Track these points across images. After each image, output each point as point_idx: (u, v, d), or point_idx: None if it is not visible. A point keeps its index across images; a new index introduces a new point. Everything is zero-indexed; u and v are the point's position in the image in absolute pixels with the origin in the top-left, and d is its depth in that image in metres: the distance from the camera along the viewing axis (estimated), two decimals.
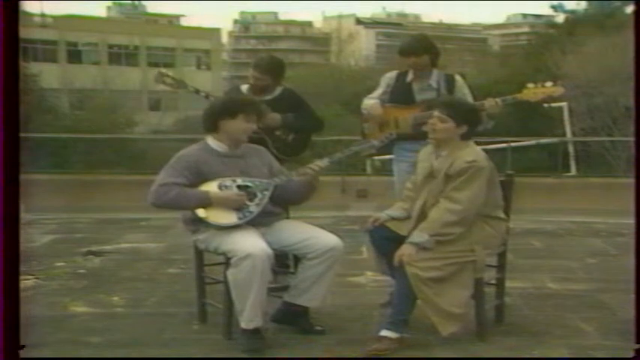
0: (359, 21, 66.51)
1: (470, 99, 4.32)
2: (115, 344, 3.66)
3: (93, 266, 5.47)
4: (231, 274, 3.51)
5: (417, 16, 73.85)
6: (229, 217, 3.59)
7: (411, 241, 3.49)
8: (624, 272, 4.28)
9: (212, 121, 3.71)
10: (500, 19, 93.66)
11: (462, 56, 33.31)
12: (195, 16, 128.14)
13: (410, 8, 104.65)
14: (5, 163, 2.72)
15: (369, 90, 4.66)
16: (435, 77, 4.37)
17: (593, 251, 6.00)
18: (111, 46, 39.46)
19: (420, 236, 3.48)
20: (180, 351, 3.56)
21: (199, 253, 3.89)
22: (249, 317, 3.49)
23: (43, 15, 35.25)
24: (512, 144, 12.58)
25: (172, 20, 55.86)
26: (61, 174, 11.52)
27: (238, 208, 3.60)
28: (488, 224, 3.63)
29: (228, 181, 3.64)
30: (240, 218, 3.60)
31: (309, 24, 70.62)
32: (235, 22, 71.13)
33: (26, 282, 4.72)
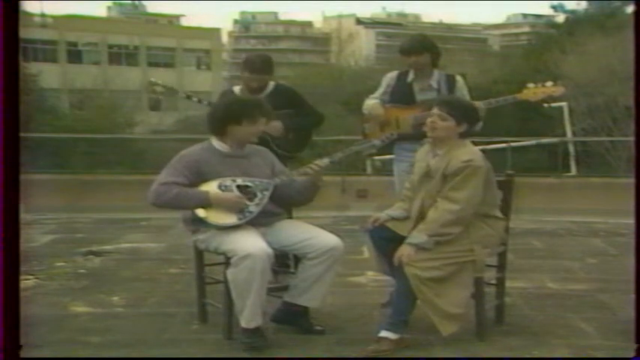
0: (359, 21, 66.50)
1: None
2: (115, 344, 3.66)
3: (93, 266, 5.47)
4: (231, 273, 3.51)
5: (417, 16, 73.84)
6: (229, 217, 3.59)
7: (409, 241, 3.49)
8: (624, 272, 4.28)
9: (218, 127, 3.71)
10: (500, 19, 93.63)
11: (461, 56, 33.27)
12: (195, 16, 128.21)
13: (410, 8, 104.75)
14: (5, 163, 2.72)
15: (369, 90, 4.66)
16: (435, 77, 4.37)
17: (593, 251, 6.00)
18: (111, 46, 39.46)
19: (418, 237, 3.48)
20: (180, 351, 3.56)
21: (199, 253, 3.89)
22: (249, 317, 3.49)
23: (43, 15, 35.21)
24: (512, 144, 12.60)
25: (172, 20, 55.86)
26: (61, 174, 11.53)
27: (239, 208, 3.60)
28: (486, 223, 3.62)
29: (228, 181, 3.64)
30: (240, 218, 3.60)
31: (309, 24, 70.63)
32: (235, 22, 71.17)
33: (26, 282, 4.72)
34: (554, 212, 8.26)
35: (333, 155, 3.86)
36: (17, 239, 2.78)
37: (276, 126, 4.41)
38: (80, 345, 3.64)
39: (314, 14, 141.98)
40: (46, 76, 26.25)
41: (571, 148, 14.32)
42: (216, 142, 3.73)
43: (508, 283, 4.04)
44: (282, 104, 4.46)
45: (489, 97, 4.28)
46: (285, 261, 4.19)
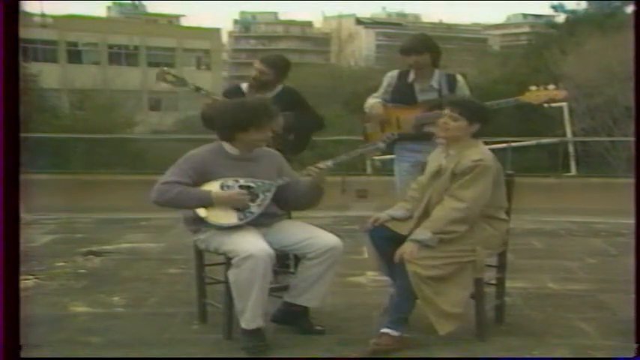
0: (359, 21, 66.49)
1: None
2: (115, 344, 3.66)
3: (93, 266, 5.47)
4: (232, 274, 3.50)
5: (417, 16, 73.84)
6: (230, 218, 3.59)
7: (413, 238, 3.49)
8: (624, 272, 4.29)
9: (225, 134, 3.70)
10: (500, 19, 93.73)
11: (461, 56, 33.29)
12: (195, 16, 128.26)
13: (410, 8, 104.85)
14: (5, 163, 2.72)
15: (369, 90, 4.66)
16: (436, 77, 4.37)
17: (593, 251, 6.00)
18: (111, 46, 39.45)
19: (423, 233, 3.48)
20: (180, 351, 3.56)
21: (199, 253, 3.89)
22: (250, 318, 3.48)
23: (43, 15, 35.20)
24: (513, 144, 12.57)
25: (172, 20, 55.85)
26: (61, 174, 11.51)
27: (240, 208, 3.60)
28: (490, 224, 3.62)
29: (230, 181, 3.63)
30: (240, 219, 3.60)
31: (309, 24, 70.61)
32: (235, 22, 71.15)
33: (26, 282, 4.72)
34: (554, 212, 8.25)
35: (337, 158, 3.85)
36: (17, 239, 2.78)
37: (277, 122, 4.40)
38: (80, 345, 3.64)
39: (314, 14, 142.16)
40: (46, 76, 26.24)
41: (571, 148, 14.30)
42: (225, 145, 3.72)
43: (508, 283, 4.04)
44: (287, 106, 4.47)
45: (490, 96, 4.29)
46: (285, 261, 4.19)
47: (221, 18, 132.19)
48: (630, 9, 20.94)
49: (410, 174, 4.18)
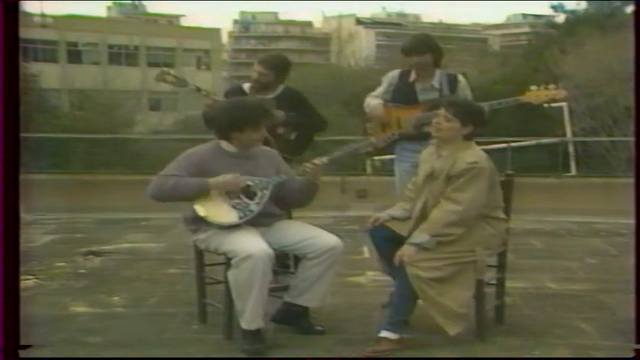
0: (359, 21, 66.47)
1: None
2: (115, 344, 3.66)
3: (93, 266, 5.47)
4: (232, 274, 3.50)
5: (417, 16, 73.81)
6: (230, 216, 3.59)
7: (411, 241, 3.49)
8: (624, 272, 4.29)
9: (221, 133, 3.71)
10: (500, 19, 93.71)
11: (461, 56, 33.26)
12: (195, 16, 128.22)
13: (410, 8, 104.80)
14: (5, 163, 2.72)
15: (369, 90, 4.65)
16: (437, 77, 4.36)
17: (593, 251, 6.00)
18: (111, 46, 39.44)
19: (420, 237, 3.48)
20: (180, 351, 3.56)
21: (199, 253, 3.89)
22: (250, 318, 3.48)
23: (43, 15, 35.22)
24: (512, 144, 12.56)
25: (172, 20, 55.84)
26: (61, 174, 11.50)
27: (238, 204, 3.59)
28: (488, 224, 3.62)
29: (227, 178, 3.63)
30: (240, 217, 3.60)
31: (309, 24, 70.61)
32: (235, 22, 71.12)
33: (26, 282, 4.72)
34: (554, 212, 8.25)
35: (332, 154, 3.86)
36: (17, 239, 2.78)
37: (276, 114, 4.39)
38: (80, 345, 3.64)
39: (314, 14, 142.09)
40: (46, 76, 26.23)
41: (571, 148, 14.30)
42: (223, 143, 3.73)
43: (508, 283, 4.04)
44: (289, 106, 4.47)
45: (490, 96, 4.29)
46: (285, 261, 4.18)
47: (221, 18, 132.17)
48: (630, 9, 20.92)
49: (410, 174, 4.18)
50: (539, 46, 27.13)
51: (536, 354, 3.51)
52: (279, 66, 4.54)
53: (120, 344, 3.66)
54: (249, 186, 3.65)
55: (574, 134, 17.29)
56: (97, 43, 38.28)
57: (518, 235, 5.99)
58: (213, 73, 42.46)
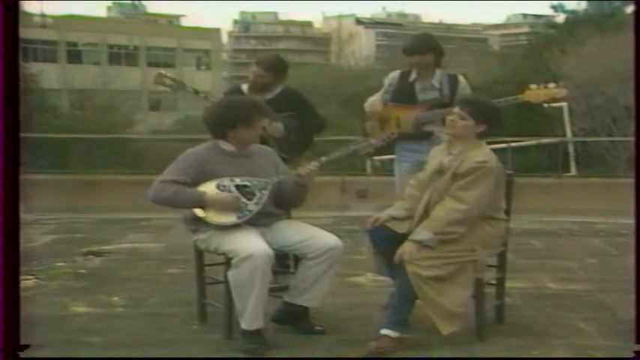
0: (359, 21, 66.52)
1: None
2: (115, 344, 3.66)
3: (93, 266, 5.47)
4: (232, 274, 3.50)
5: (417, 16, 73.85)
6: (228, 217, 3.59)
7: (413, 238, 3.49)
8: (624, 272, 4.29)
9: (216, 131, 3.72)
10: (500, 19, 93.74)
11: (462, 56, 33.28)
12: (195, 16, 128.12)
13: (410, 8, 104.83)
14: (5, 163, 2.72)
15: (369, 90, 4.66)
16: (437, 77, 4.37)
17: (593, 251, 6.00)
18: (111, 46, 39.45)
19: (423, 234, 3.48)
20: (180, 351, 3.56)
21: (199, 253, 3.89)
22: (250, 318, 3.48)
23: (43, 15, 35.23)
24: (512, 144, 12.56)
25: (172, 20, 55.87)
26: (61, 174, 11.50)
27: (236, 208, 3.60)
28: (489, 224, 3.62)
29: (226, 181, 3.64)
30: (239, 217, 3.60)
31: (309, 24, 70.66)
32: (235, 22, 71.16)
33: (26, 282, 4.72)
34: (554, 212, 8.25)
35: (330, 155, 3.86)
36: (17, 239, 2.78)
37: (276, 127, 4.41)
38: (80, 345, 3.64)
39: (314, 14, 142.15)
40: (46, 76, 26.23)
41: (571, 148, 14.30)
42: (220, 142, 3.73)
43: (508, 284, 4.04)
44: (288, 107, 4.47)
45: (490, 96, 4.28)
46: (285, 261, 4.18)
47: (221, 18, 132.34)
48: (630, 9, 20.93)
49: (410, 174, 4.18)
50: (539, 46, 27.11)
51: (536, 354, 3.51)
52: (277, 67, 4.53)
53: (120, 344, 3.66)
54: (247, 187, 3.65)
55: (574, 134, 17.29)
56: (97, 43, 38.29)
57: (518, 235, 5.98)
58: (213, 74, 42.49)
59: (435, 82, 4.36)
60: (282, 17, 72.00)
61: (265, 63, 4.50)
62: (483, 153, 3.60)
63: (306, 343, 3.63)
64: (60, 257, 5.66)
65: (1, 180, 2.71)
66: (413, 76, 4.40)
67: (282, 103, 4.46)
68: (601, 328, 3.86)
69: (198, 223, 3.65)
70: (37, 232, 6.72)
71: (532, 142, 14.72)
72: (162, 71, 4.66)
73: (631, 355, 3.11)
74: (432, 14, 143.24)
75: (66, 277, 5.10)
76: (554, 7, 34.69)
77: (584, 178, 13.03)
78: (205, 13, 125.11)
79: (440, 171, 3.64)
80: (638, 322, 3.11)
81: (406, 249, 3.47)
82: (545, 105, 4.40)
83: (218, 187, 3.61)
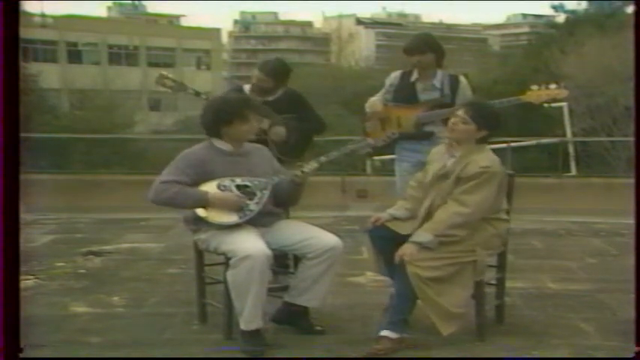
0: (359, 21, 66.52)
1: None
2: (115, 344, 3.66)
3: (93, 266, 5.47)
4: (230, 274, 3.51)
5: (417, 16, 73.87)
6: (229, 216, 3.59)
7: (414, 240, 3.49)
8: (624, 272, 4.29)
9: (211, 129, 3.72)
10: (500, 19, 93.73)
11: (461, 56, 33.29)
12: (195, 16, 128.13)
13: (410, 8, 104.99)
14: (5, 163, 2.72)
15: (369, 90, 4.66)
16: (439, 77, 4.36)
17: (593, 251, 6.00)
18: (111, 46, 39.44)
19: (424, 236, 3.48)
20: (180, 351, 3.56)
21: (199, 253, 3.89)
22: (248, 318, 3.48)
23: (43, 15, 35.23)
24: (512, 144, 12.55)
25: (172, 20, 55.87)
26: (61, 174, 11.50)
27: (236, 210, 3.60)
28: (490, 225, 3.63)
29: (227, 181, 3.64)
30: (240, 217, 3.60)
31: (309, 24, 70.63)
32: (235, 22, 71.14)
33: (26, 282, 4.72)
34: (554, 212, 8.25)
35: (329, 154, 3.86)
36: (17, 239, 2.78)
37: (278, 132, 4.42)
38: (80, 345, 3.64)
39: (314, 14, 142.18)
40: (46, 76, 26.21)
41: (571, 148, 14.30)
42: (216, 142, 3.73)
43: (508, 284, 4.04)
44: (289, 109, 4.47)
45: (490, 96, 4.29)
46: (284, 261, 4.18)
47: (221, 18, 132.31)
48: (630, 9, 20.92)
49: (410, 174, 4.18)
50: (539, 46, 27.13)
51: (536, 354, 3.51)
52: (279, 72, 4.52)
53: (120, 344, 3.66)
54: (247, 187, 3.65)
55: (574, 134, 17.29)
56: (97, 43, 38.29)
57: (518, 235, 5.99)
58: (214, 73, 42.48)
59: (437, 82, 4.35)
60: (282, 17, 72.02)
61: (267, 68, 4.49)
62: (488, 158, 3.60)
63: (306, 343, 3.63)
64: (60, 257, 5.66)
65: (1, 180, 2.71)
66: (414, 76, 4.40)
67: (284, 104, 4.46)
68: (601, 328, 3.86)
69: (199, 223, 3.65)
70: (37, 232, 6.72)
71: (532, 142, 14.73)
72: (164, 72, 4.65)
73: (631, 355, 3.11)
74: (432, 14, 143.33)
75: (66, 277, 5.10)
76: (554, 7, 34.78)
77: (584, 178, 13.02)
78: (205, 13, 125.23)
79: (444, 174, 3.63)
80: (638, 322, 3.10)
81: (406, 250, 3.47)
82: (545, 105, 4.39)
83: (219, 187, 3.62)
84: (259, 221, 3.65)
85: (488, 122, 3.64)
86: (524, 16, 71.88)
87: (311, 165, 3.75)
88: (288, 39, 67.16)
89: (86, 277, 5.12)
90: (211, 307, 3.90)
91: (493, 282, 3.93)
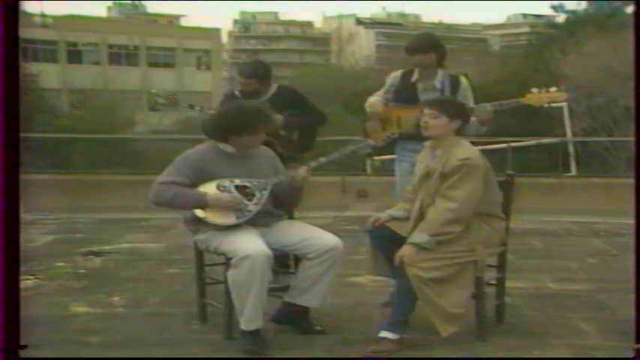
0: (359, 21, 66.51)
1: (471, 102, 4.32)
2: (115, 344, 3.66)
3: (93, 266, 5.47)
4: (230, 274, 3.51)
5: (417, 16, 73.87)
6: (228, 217, 3.59)
7: (411, 241, 3.49)
8: (624, 272, 4.28)
9: (219, 135, 3.71)
10: (500, 19, 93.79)
11: (462, 56, 33.27)
12: (195, 16, 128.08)
13: (410, 8, 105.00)
14: (5, 163, 2.72)
15: (369, 90, 4.64)
16: (439, 78, 4.36)
17: (593, 251, 6.00)
18: (111, 46, 39.43)
19: (420, 237, 3.48)
20: (180, 351, 3.56)
21: (199, 253, 3.89)
22: (249, 318, 3.48)
23: (43, 15, 35.26)
24: (512, 144, 12.58)
25: (172, 20, 55.84)
26: (61, 174, 11.51)
27: (236, 209, 3.60)
28: (486, 223, 3.63)
29: (226, 182, 3.64)
30: (239, 217, 3.60)
31: (309, 24, 70.62)
32: (235, 22, 71.13)
33: (26, 282, 4.72)
34: (554, 212, 8.25)
35: (330, 155, 3.86)
36: (17, 239, 2.78)
37: (276, 118, 4.39)
38: (80, 345, 3.64)
39: (314, 14, 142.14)
40: (46, 76, 26.20)
41: (571, 148, 14.31)
42: (220, 144, 3.73)
43: (508, 284, 4.04)
44: (285, 106, 4.45)
45: (490, 96, 4.29)
46: (285, 261, 4.19)
47: (221, 18, 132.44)
48: (630, 9, 20.91)
49: (410, 174, 4.17)
50: (539, 46, 27.14)
51: (536, 354, 3.51)
52: (258, 72, 4.49)
53: (120, 344, 3.66)
54: (247, 188, 3.65)
55: (574, 134, 17.30)
56: (97, 43, 38.27)
57: (518, 235, 5.98)
58: (213, 74, 42.47)
59: (437, 82, 4.35)
60: (283, 17, 72.01)
61: (245, 71, 4.48)
62: (465, 150, 3.60)
63: (306, 343, 3.63)
64: (60, 257, 5.66)
65: (1, 180, 2.71)
66: (415, 76, 4.39)
67: (278, 103, 4.43)
68: (601, 328, 3.86)
69: (199, 224, 3.65)
70: (37, 232, 6.72)
71: (532, 142, 14.74)
72: (153, 90, 4.64)
73: (631, 355, 3.11)
74: (432, 14, 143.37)
75: (66, 277, 5.10)
76: (554, 7, 34.80)
77: (584, 178, 13.04)
78: (205, 13, 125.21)
79: (427, 174, 3.65)
80: (638, 322, 3.10)
81: (405, 252, 3.47)
82: (546, 105, 4.40)
83: (218, 187, 3.62)
84: (259, 221, 3.65)
85: (457, 111, 3.69)
86: (524, 16, 71.85)
87: (308, 167, 3.75)
88: (288, 39, 67.16)
89: (86, 277, 5.12)
90: (211, 307, 3.90)
91: (493, 282, 3.93)
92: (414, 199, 3.74)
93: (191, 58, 42.45)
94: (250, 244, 3.48)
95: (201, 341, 3.69)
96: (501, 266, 3.94)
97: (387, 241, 3.67)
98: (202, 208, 3.58)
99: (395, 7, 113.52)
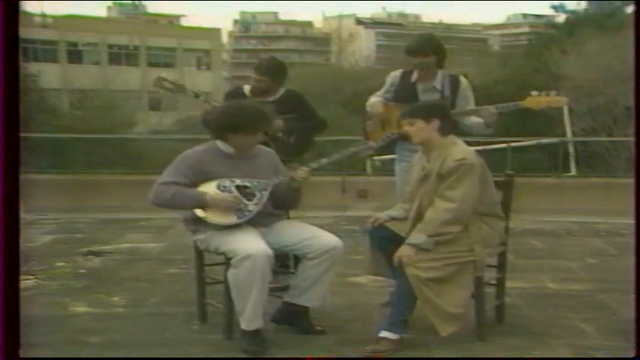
0: (359, 21, 66.52)
1: (472, 102, 4.32)
2: (115, 344, 3.66)
3: (93, 266, 5.47)
4: (231, 274, 3.51)
5: (417, 16, 73.90)
6: (228, 217, 3.59)
7: (409, 242, 3.50)
8: (624, 272, 4.29)
9: (218, 133, 3.72)
10: (500, 19, 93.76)
11: (462, 56, 33.24)
12: (195, 16, 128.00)
13: (410, 8, 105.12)
14: (5, 163, 2.72)
15: (369, 90, 4.65)
16: (439, 78, 4.35)
17: (593, 251, 6.00)
18: (111, 46, 39.45)
19: (418, 237, 3.48)
20: (180, 351, 3.56)
21: (199, 253, 3.89)
22: (249, 318, 3.48)
23: (43, 15, 35.29)
24: (512, 144, 12.58)
25: (172, 20, 55.86)
26: (61, 174, 11.52)
27: (236, 208, 3.60)
28: (486, 223, 3.63)
29: (226, 182, 3.64)
30: (239, 217, 3.60)
31: (309, 24, 70.64)
32: (235, 22, 71.15)
33: (26, 282, 4.72)
34: (554, 212, 8.26)
35: (331, 156, 3.86)
36: (17, 239, 2.78)
37: (277, 123, 4.41)
38: (80, 345, 3.64)
39: (314, 14, 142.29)
40: (46, 76, 26.24)
41: (571, 148, 14.31)
42: (220, 144, 3.73)
43: (508, 283, 4.04)
44: (290, 109, 4.47)
45: (490, 97, 4.29)
46: (285, 261, 4.19)
47: (221, 18, 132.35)
48: (630, 9, 20.94)
49: (410, 174, 4.18)
50: (540, 46, 27.11)
51: (536, 354, 3.51)
52: (275, 71, 4.53)
53: (120, 344, 3.66)
54: (247, 188, 3.65)
55: (574, 134, 17.30)
56: (97, 43, 38.28)
57: (518, 235, 5.99)
58: (214, 73, 42.49)
59: (437, 83, 4.35)
60: (283, 17, 72.03)
61: (262, 68, 4.51)
62: (461, 150, 3.61)
63: (306, 343, 3.63)
64: (60, 257, 5.66)
65: (1, 180, 2.71)
66: (415, 76, 4.39)
67: (285, 105, 4.47)
68: (601, 328, 3.86)
69: (199, 224, 3.66)
70: (37, 232, 6.72)
71: (532, 142, 14.73)
72: (163, 75, 4.66)
73: (631, 355, 3.11)
74: (432, 14, 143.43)
75: (66, 277, 5.10)
76: (554, 7, 34.77)
77: (584, 178, 13.04)
78: (205, 13, 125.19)
79: (425, 176, 3.66)
80: (638, 322, 3.10)
81: (404, 252, 3.47)
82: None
83: (218, 187, 3.62)
84: (259, 221, 3.65)
85: (430, 111, 3.67)
86: (524, 16, 71.88)
87: (307, 168, 3.75)
88: (288, 39, 67.16)
89: (86, 277, 5.12)
90: (211, 307, 3.90)
91: (493, 282, 3.93)
92: (412, 199, 3.74)
93: (191, 58, 42.47)
94: (251, 244, 3.48)
95: (201, 341, 3.69)
96: (501, 266, 3.94)
97: (386, 242, 3.67)
98: (202, 207, 3.59)
99: (395, 7, 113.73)
